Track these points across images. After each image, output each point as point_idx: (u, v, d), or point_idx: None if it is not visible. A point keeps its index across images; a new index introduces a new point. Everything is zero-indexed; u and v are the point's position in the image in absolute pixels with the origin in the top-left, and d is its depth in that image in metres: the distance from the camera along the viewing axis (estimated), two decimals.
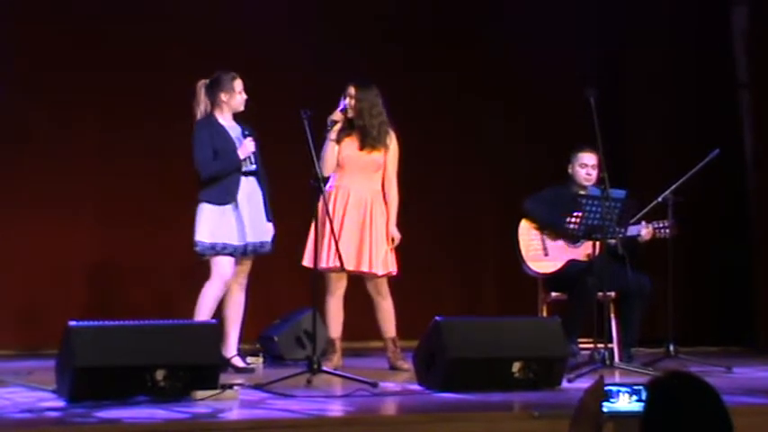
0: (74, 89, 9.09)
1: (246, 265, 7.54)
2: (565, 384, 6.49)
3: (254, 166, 7.50)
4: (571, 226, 7.71)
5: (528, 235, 8.11)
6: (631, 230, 7.93)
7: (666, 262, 7.89)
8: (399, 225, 7.75)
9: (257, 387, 6.35)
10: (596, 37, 10.17)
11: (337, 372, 6.87)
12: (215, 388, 5.84)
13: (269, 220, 7.55)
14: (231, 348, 7.45)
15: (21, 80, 8.99)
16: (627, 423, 3.75)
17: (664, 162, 9.50)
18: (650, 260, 8.42)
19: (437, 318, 6.46)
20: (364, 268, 7.53)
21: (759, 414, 5.73)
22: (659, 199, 8.00)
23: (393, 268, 7.62)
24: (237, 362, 7.47)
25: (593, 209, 7.50)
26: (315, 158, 6.83)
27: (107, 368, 5.70)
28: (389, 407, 6.05)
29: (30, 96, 9.02)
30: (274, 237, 7.60)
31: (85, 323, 5.94)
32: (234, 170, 7.41)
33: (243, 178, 7.44)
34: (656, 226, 8.05)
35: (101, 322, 6.11)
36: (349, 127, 7.62)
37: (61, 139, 9.11)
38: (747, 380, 7.24)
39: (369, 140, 7.59)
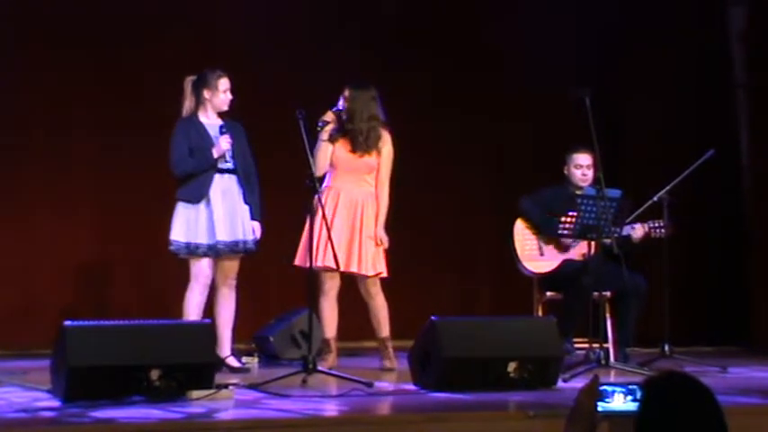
0: (72, 89, 9.10)
1: (233, 265, 7.46)
2: (560, 384, 6.50)
3: (230, 164, 7.44)
4: (564, 231, 7.70)
5: (523, 235, 8.11)
6: (624, 230, 7.94)
7: (662, 262, 7.89)
8: (395, 225, 7.75)
9: (252, 387, 6.34)
10: (594, 37, 10.17)
11: (332, 372, 6.86)
12: (210, 388, 5.84)
13: (254, 218, 7.48)
14: (225, 348, 7.43)
15: (20, 80, 8.99)
16: (621, 423, 3.74)
17: (659, 162, 9.50)
18: (646, 260, 8.43)
19: (432, 317, 6.46)
20: (353, 269, 7.52)
21: (754, 414, 5.74)
22: (655, 199, 8.01)
23: (382, 269, 7.61)
24: (232, 362, 7.46)
25: (589, 208, 7.50)
26: (310, 158, 6.82)
27: (102, 368, 5.70)
28: (384, 407, 6.05)
29: (28, 96, 9.03)
30: (261, 236, 7.52)
31: (80, 323, 5.93)
32: (209, 168, 7.36)
33: (218, 175, 7.38)
34: (651, 225, 8.06)
35: (96, 322, 6.11)
36: (343, 128, 7.62)
37: (58, 139, 9.12)
38: (742, 380, 7.25)
39: (361, 144, 7.59)
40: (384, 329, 7.66)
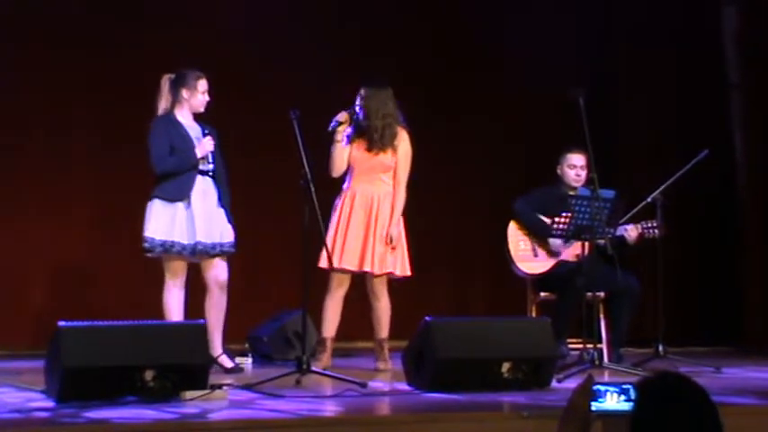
0: (72, 89, 9.12)
1: (222, 267, 7.42)
2: (554, 384, 6.50)
3: (211, 166, 7.43)
4: (558, 233, 7.71)
5: (517, 236, 8.12)
6: (618, 231, 7.94)
7: (656, 262, 7.90)
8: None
9: (246, 387, 6.34)
10: (592, 39, 10.19)
11: (326, 372, 6.86)
12: (204, 388, 5.83)
13: (229, 221, 7.45)
14: (217, 348, 7.40)
15: (20, 80, 8.99)
16: (615, 422, 3.75)
17: (653, 162, 9.52)
18: (640, 260, 8.44)
19: (427, 318, 6.46)
20: (366, 268, 7.53)
21: (748, 414, 5.74)
22: (648, 199, 8.01)
23: (392, 269, 7.60)
24: (225, 361, 7.45)
25: (583, 209, 7.50)
26: (304, 159, 6.82)
27: (96, 368, 5.70)
28: (378, 407, 6.05)
29: (28, 96, 9.03)
30: (235, 239, 7.47)
31: (74, 323, 5.92)
32: (190, 167, 7.34)
33: (198, 177, 7.37)
34: (644, 226, 8.06)
35: (90, 322, 6.09)
36: (359, 128, 7.61)
37: (58, 139, 9.13)
38: (737, 380, 7.25)
39: (377, 143, 7.58)
40: (384, 331, 7.66)
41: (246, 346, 8.57)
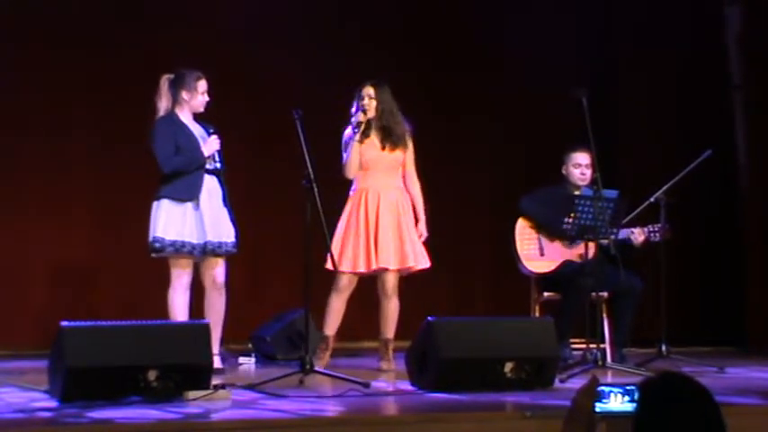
0: (72, 89, 9.11)
1: (220, 267, 7.42)
2: (557, 384, 6.50)
3: (218, 164, 7.43)
4: (568, 227, 7.71)
5: (524, 234, 8.11)
6: (622, 234, 7.94)
7: (659, 262, 7.90)
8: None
9: (249, 387, 6.34)
10: (592, 38, 10.19)
11: (329, 372, 6.86)
12: (207, 388, 5.83)
13: (232, 221, 7.44)
14: (213, 348, 7.37)
15: (20, 80, 8.99)
16: (619, 423, 3.75)
17: (656, 162, 9.51)
18: (643, 260, 8.42)
19: (429, 318, 6.45)
20: (411, 263, 7.55)
21: (752, 414, 5.73)
22: (652, 199, 8.00)
23: (413, 263, 7.62)
24: (215, 362, 7.40)
25: (586, 209, 7.50)
26: (307, 158, 6.81)
27: (99, 368, 5.69)
28: (381, 407, 6.04)
29: (28, 96, 9.03)
30: (237, 238, 7.47)
31: (78, 323, 5.91)
32: (197, 167, 7.34)
33: (206, 176, 7.38)
34: (650, 230, 8.06)
35: (93, 322, 6.10)
36: (368, 128, 7.60)
37: (57, 139, 9.13)
38: (740, 380, 7.25)
39: (392, 140, 7.59)
40: (390, 331, 7.65)
41: (249, 345, 8.57)
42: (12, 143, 9.01)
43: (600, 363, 6.91)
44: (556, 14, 10.09)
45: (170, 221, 7.26)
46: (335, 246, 7.40)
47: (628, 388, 3.97)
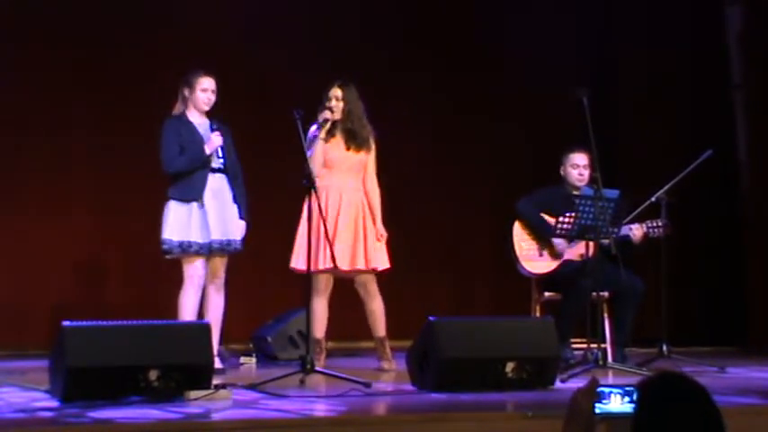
0: (72, 89, 9.12)
1: (220, 265, 7.44)
2: (558, 384, 6.50)
3: (221, 161, 7.43)
4: (562, 232, 7.70)
5: (522, 235, 8.11)
6: (623, 230, 7.94)
7: (660, 262, 7.90)
8: (393, 224, 7.75)
9: (250, 387, 6.34)
10: (592, 38, 10.20)
11: (330, 372, 6.86)
12: (208, 388, 5.83)
13: (241, 218, 7.47)
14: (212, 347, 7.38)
15: (20, 80, 9.00)
16: (619, 424, 3.75)
17: (657, 162, 9.51)
18: (644, 260, 8.43)
19: (430, 318, 6.45)
20: (360, 266, 7.52)
21: (752, 414, 5.73)
22: (652, 199, 8.01)
23: (385, 264, 7.61)
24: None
25: (587, 209, 7.50)
26: (308, 158, 6.81)
27: (100, 368, 5.69)
28: (382, 407, 6.04)
29: (28, 96, 9.04)
30: (247, 234, 7.50)
31: (79, 323, 5.91)
32: (200, 166, 7.34)
33: (210, 174, 7.37)
34: (649, 225, 8.06)
35: (94, 322, 6.09)
36: (333, 127, 7.61)
37: (57, 139, 9.13)
38: (741, 380, 7.24)
39: (357, 142, 7.60)
40: (381, 329, 7.65)
41: (250, 345, 8.58)
42: (12, 143, 9.02)
43: (601, 362, 6.91)
44: (556, 14, 10.11)
45: (176, 222, 7.29)
46: (299, 246, 7.40)
47: (627, 389, 3.96)
